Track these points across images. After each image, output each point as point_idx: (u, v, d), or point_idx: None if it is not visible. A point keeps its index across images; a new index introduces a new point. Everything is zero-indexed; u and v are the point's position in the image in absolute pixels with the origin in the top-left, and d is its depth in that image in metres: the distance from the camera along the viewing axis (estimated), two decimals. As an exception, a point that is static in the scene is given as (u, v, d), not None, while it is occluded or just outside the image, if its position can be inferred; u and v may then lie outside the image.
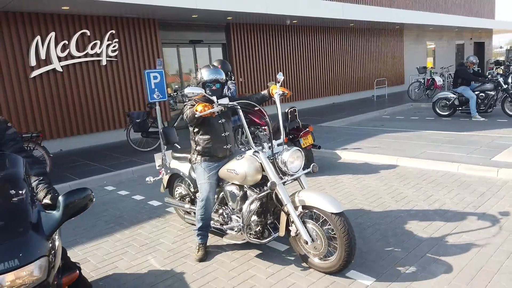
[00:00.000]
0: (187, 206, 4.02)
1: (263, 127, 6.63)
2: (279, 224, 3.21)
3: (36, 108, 8.36)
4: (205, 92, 3.26)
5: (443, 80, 15.65)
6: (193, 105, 3.28)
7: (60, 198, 1.88)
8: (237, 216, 3.42)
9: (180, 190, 4.26)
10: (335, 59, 15.92)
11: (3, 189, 1.88)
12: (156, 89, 7.62)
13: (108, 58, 9.35)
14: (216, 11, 9.73)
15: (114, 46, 9.43)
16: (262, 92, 3.70)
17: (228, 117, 3.58)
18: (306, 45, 14.63)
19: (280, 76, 3.55)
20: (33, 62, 8.23)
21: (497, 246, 3.32)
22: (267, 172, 3.15)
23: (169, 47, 10.89)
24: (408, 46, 20.14)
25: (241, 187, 3.38)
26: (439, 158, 6.02)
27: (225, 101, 3.30)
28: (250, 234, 3.31)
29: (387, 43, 18.68)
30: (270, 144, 3.26)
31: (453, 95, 10.24)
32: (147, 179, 4.41)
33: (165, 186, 4.39)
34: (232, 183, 3.42)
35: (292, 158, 3.17)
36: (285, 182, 3.17)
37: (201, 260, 3.43)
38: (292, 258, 3.37)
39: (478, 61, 10.64)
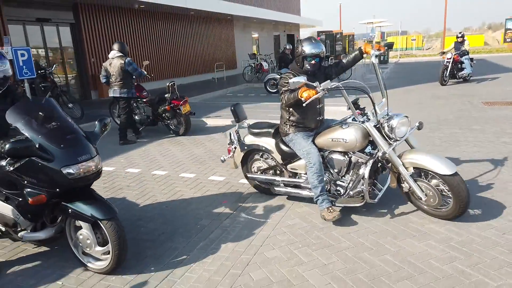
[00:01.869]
0: (278, 178, 4.02)
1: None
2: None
3: None
4: (304, 67, 3.53)
5: (268, 65, 19.00)
6: (293, 90, 3.37)
7: (96, 122, 3.07)
8: (341, 181, 3.62)
9: (259, 164, 4.26)
10: (179, 43, 17.37)
11: (64, 117, 2.92)
12: (24, 67, 7.85)
13: None
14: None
15: (-46, 21, 8.71)
16: (353, 54, 3.69)
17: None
18: (154, 29, 15.62)
19: (373, 32, 4.51)
20: None
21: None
22: (375, 140, 3.35)
23: (15, 24, 10.44)
24: (238, 35, 23.12)
25: (345, 153, 3.55)
26: (276, 118, 8.41)
27: (327, 84, 3.23)
28: (360, 195, 3.53)
29: (222, 31, 21.13)
30: (374, 112, 3.47)
31: (278, 76, 13.15)
32: (221, 158, 4.52)
33: (238, 163, 4.37)
34: (335, 151, 3.59)
35: (400, 124, 3.37)
36: (393, 147, 3.39)
37: (336, 219, 3.43)
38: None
39: (291, 47, 13.83)
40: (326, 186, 3.65)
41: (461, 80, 13.32)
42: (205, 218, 3.88)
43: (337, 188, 3.67)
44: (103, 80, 6.97)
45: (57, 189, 2.69)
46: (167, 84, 7.19)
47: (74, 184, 2.71)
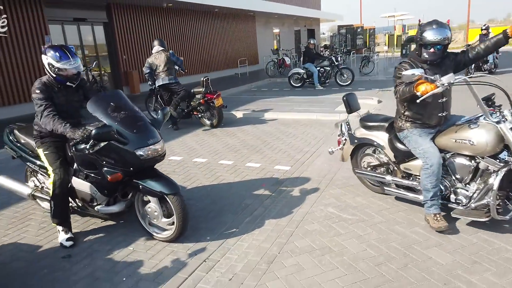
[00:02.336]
0: (389, 178, 3.69)
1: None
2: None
3: None
4: (422, 56, 3.14)
5: (290, 60, 19.31)
6: (409, 83, 2.98)
7: (159, 111, 3.52)
8: (464, 189, 3.16)
9: (370, 160, 4.01)
10: (204, 40, 17.86)
11: (132, 106, 3.38)
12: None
13: (-2, 34, 9.30)
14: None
15: (3, 22, 9.39)
16: (495, 38, 3.11)
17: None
18: (180, 27, 16.16)
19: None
20: None
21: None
22: (511, 144, 2.84)
23: (55, 24, 11.10)
24: (260, 30, 23.46)
25: (472, 158, 3.08)
26: (303, 111, 8.79)
27: (449, 78, 2.86)
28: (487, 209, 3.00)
29: (244, 27, 21.52)
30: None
31: (302, 70, 13.47)
32: (329, 149, 4.39)
33: (347, 156, 4.17)
34: (460, 154, 3.13)
35: None
36: None
37: (442, 230, 3.14)
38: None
39: (315, 42, 14.11)
40: (446, 193, 3.28)
41: (487, 72, 13.33)
42: (248, 198, 4.30)
43: (459, 197, 3.21)
44: (146, 71, 7.50)
45: (131, 168, 3.15)
46: (202, 79, 7.65)
47: (145, 164, 3.17)
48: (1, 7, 9.35)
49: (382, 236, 3.27)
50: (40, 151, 3.46)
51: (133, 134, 3.11)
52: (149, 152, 3.15)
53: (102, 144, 3.10)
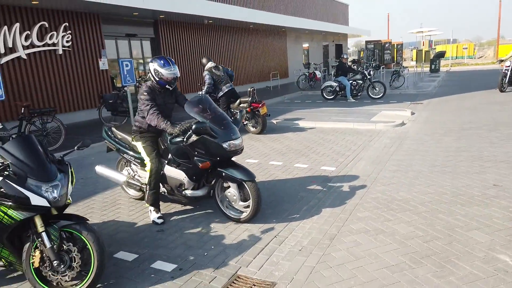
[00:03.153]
0: None
1: None
2: None
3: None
4: None
5: (320, 73, 19.95)
6: None
7: (238, 112, 4.22)
8: None
9: None
10: (239, 53, 18.78)
11: (217, 107, 4.08)
12: (127, 75, 9.33)
13: (63, 48, 10.37)
14: (154, 10, 11.53)
15: (68, 37, 10.47)
16: None
17: None
18: (219, 42, 17.13)
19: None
20: (1, 49, 8.93)
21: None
22: None
23: (110, 39, 12.17)
24: (290, 45, 24.28)
25: None
26: (340, 121, 9.37)
27: None
28: None
29: (276, 42, 22.38)
30: None
31: (335, 83, 14.08)
32: None
33: None
34: None
35: None
36: None
37: None
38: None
39: (348, 57, 14.71)
40: None
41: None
42: (302, 192, 4.91)
43: None
44: (211, 82, 8.18)
45: (217, 158, 3.83)
46: (248, 89, 8.37)
47: (229, 155, 3.85)
48: (67, 24, 10.43)
49: (427, 221, 3.81)
50: (138, 144, 4.20)
51: (221, 130, 3.80)
52: (233, 145, 3.83)
53: (195, 138, 3.80)
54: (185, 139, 3.81)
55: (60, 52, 10.31)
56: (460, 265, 3.03)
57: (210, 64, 8.39)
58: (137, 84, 10.33)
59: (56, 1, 9.22)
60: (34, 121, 7.36)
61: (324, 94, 14.46)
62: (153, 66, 4.08)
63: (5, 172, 2.66)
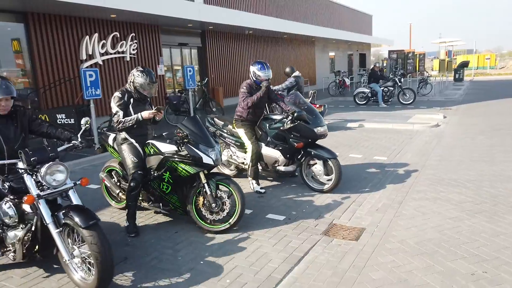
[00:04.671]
0: None
1: None
2: None
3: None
4: None
5: (349, 81, 21.01)
6: None
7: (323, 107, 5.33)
8: None
9: None
10: (274, 61, 20.01)
11: (306, 101, 5.22)
12: (190, 80, 10.60)
13: (130, 55, 11.73)
14: (206, 22, 12.84)
15: (134, 46, 11.84)
16: None
17: None
18: (257, 50, 18.44)
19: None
20: (83, 56, 10.32)
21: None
22: None
23: (165, 47, 13.53)
24: (318, 54, 25.43)
25: None
26: (379, 122, 10.41)
27: None
28: None
29: (305, 51, 23.57)
30: None
31: (367, 90, 15.11)
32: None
33: None
34: None
35: None
36: None
37: None
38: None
39: (380, 65, 15.74)
40: None
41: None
42: (364, 174, 5.97)
43: None
44: (290, 83, 9.12)
45: (309, 140, 4.96)
46: (310, 91, 9.47)
47: (318, 137, 4.97)
48: (134, 34, 11.81)
49: (474, 192, 4.84)
50: (240, 130, 5.34)
51: (313, 118, 4.93)
52: (321, 130, 4.95)
53: (291, 124, 4.93)
54: (288, 122, 4.95)
55: (128, 59, 11.67)
56: (505, 216, 4.06)
57: (297, 73, 9.40)
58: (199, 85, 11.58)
59: (128, 15, 10.57)
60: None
61: (357, 100, 15.48)
62: (253, 68, 5.22)
63: (185, 140, 3.83)
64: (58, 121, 7.83)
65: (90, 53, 10.54)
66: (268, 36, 19.11)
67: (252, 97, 5.08)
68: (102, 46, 10.87)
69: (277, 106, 6.17)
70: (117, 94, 4.10)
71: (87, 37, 10.41)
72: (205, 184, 3.91)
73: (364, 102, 15.28)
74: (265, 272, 3.26)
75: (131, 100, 4.12)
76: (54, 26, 9.70)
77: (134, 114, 4.04)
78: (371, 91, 14.99)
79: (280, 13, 20.04)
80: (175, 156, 3.89)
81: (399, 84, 14.73)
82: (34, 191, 2.90)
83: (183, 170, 3.87)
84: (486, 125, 9.67)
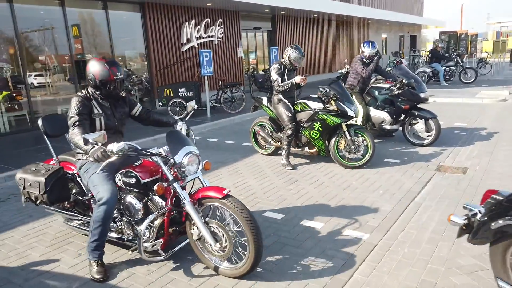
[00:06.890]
0: None
1: None
2: None
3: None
4: None
5: (405, 61, 21.62)
6: None
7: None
8: None
9: None
10: (334, 43, 21.01)
11: (414, 75, 6.46)
12: (274, 60, 11.94)
13: (218, 39, 13.26)
14: (280, 7, 14.10)
15: (221, 31, 13.35)
16: None
17: None
18: (320, 33, 19.54)
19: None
20: (183, 40, 11.95)
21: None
22: None
23: (243, 32, 14.95)
24: (371, 36, 26.01)
25: None
26: (449, 97, 11.37)
27: None
28: None
29: (360, 33, 24.29)
30: None
31: (428, 69, 15.87)
32: None
33: None
34: None
35: None
36: None
37: None
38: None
39: (442, 45, 16.41)
40: None
41: None
42: (450, 134, 7.14)
43: None
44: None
45: (414, 103, 6.21)
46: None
47: (421, 101, 6.21)
48: (221, 20, 13.30)
49: (554, 145, 5.93)
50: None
51: (418, 85, 6.18)
52: (425, 95, 6.18)
53: (399, 91, 6.18)
54: (395, 90, 6.21)
55: (216, 42, 13.21)
56: None
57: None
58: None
59: (218, 3, 12.02)
60: (226, 91, 10.20)
61: (418, 79, 16.27)
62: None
63: (333, 98, 5.21)
64: (179, 94, 9.49)
65: (189, 37, 12.14)
66: (328, 20, 20.09)
67: (367, 68, 6.40)
68: (197, 31, 12.44)
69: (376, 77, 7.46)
70: (276, 65, 5.55)
71: (187, 23, 12.00)
72: (346, 132, 5.29)
73: (426, 81, 16.04)
74: (405, 187, 4.62)
75: (286, 70, 5.57)
76: (164, 15, 11.35)
77: (288, 80, 5.47)
78: (433, 71, 15.74)
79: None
80: (324, 110, 5.29)
81: (461, 63, 15.38)
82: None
83: (332, 121, 5.27)
84: (553, 99, 10.40)
